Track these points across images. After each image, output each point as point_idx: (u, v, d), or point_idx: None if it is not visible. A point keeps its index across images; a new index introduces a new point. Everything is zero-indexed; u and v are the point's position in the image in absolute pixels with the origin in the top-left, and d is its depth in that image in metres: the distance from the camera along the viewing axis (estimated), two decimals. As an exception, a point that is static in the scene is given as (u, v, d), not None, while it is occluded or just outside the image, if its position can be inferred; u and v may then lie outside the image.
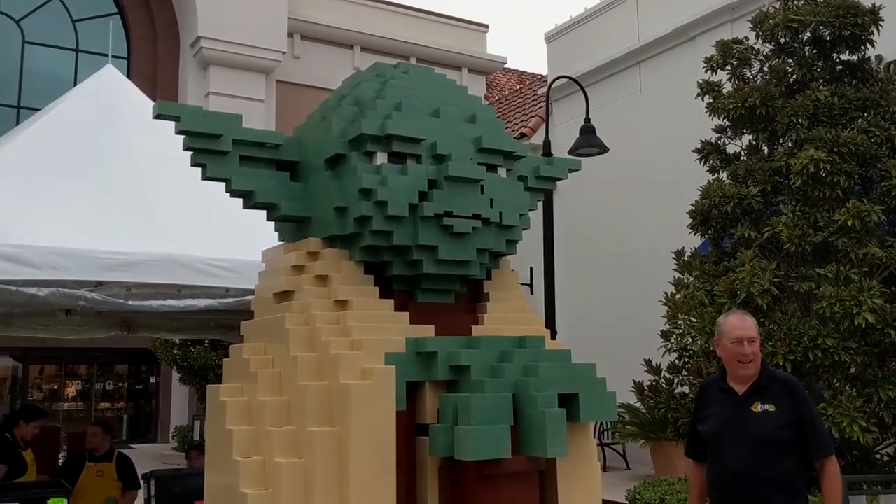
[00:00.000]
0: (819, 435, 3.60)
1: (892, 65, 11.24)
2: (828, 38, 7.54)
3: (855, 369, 6.62)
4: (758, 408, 3.60)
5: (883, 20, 7.54)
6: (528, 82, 24.28)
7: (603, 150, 10.21)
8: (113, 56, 20.08)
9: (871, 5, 7.49)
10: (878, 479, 5.91)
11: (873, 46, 7.64)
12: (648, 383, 7.97)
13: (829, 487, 3.55)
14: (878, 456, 6.89)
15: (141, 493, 6.21)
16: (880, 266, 6.69)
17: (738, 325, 3.72)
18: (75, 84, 13.13)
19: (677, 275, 7.72)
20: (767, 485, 3.51)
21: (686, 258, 7.79)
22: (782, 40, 7.80)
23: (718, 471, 3.67)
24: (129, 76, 17.28)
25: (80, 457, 6.75)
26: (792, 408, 3.57)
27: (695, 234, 7.92)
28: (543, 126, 11.93)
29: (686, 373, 7.49)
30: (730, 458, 3.59)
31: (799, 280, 6.75)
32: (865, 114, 7.27)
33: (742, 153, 7.98)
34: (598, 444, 13.78)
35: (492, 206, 2.78)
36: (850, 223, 6.51)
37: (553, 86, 12.45)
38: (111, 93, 6.41)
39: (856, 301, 6.21)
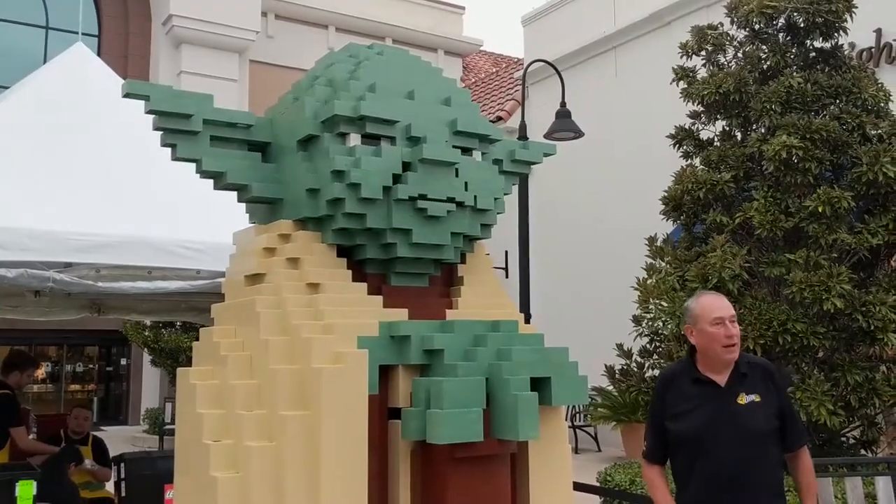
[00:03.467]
0: (799, 423, 3.44)
1: (865, 52, 11.36)
2: (801, 25, 7.59)
3: (823, 353, 6.72)
4: (744, 399, 3.28)
5: (856, 7, 7.59)
6: (504, 65, 24.23)
7: (578, 134, 10.23)
8: (83, 34, 19.82)
9: (844, -7, 7.54)
10: (843, 462, 6.00)
11: (846, 34, 7.70)
12: (620, 367, 8.04)
13: (809, 473, 3.41)
14: (844, 439, 7.01)
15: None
16: (849, 252, 6.78)
17: (717, 304, 3.32)
18: (45, 62, 12.91)
19: (649, 260, 7.77)
20: (761, 482, 3.24)
21: (658, 244, 7.84)
22: (756, 26, 7.83)
23: (705, 474, 3.25)
24: (99, 54, 17.00)
25: (56, 440, 6.72)
26: (775, 396, 3.32)
27: (667, 220, 7.97)
28: (519, 109, 11.91)
29: (657, 356, 7.56)
30: (722, 458, 3.21)
31: (770, 265, 6.82)
32: (837, 101, 7.33)
33: (715, 139, 8.02)
34: (569, 427, 13.96)
35: (466, 189, 2.77)
36: (820, 209, 6.58)
37: (529, 69, 12.44)
38: (81, 71, 6.30)
39: (825, 286, 6.29)
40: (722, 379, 3.32)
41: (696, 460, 3.27)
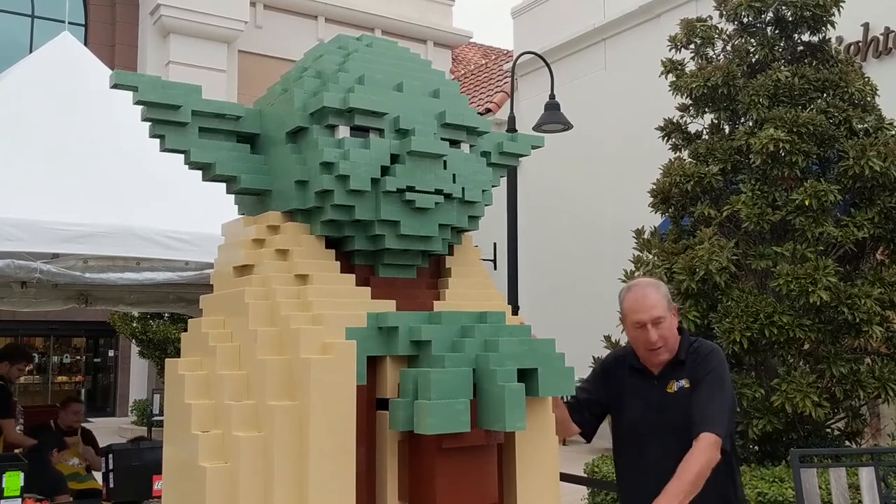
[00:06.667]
0: (709, 406, 2.87)
1: (852, 46, 11.41)
2: (790, 19, 7.62)
3: (809, 346, 6.77)
4: (673, 387, 3.03)
5: (844, 1, 7.63)
6: (493, 57, 24.23)
7: (567, 126, 10.25)
8: (70, 23, 19.69)
9: (832, -13, 7.58)
10: (828, 453, 6.06)
11: (834, 28, 7.74)
12: (608, 358, 8.06)
13: (689, 459, 2.77)
14: (829, 430, 7.07)
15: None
16: (835, 245, 6.83)
17: (637, 306, 3.05)
18: (31, 51, 12.83)
19: (637, 252, 7.80)
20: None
21: (646, 236, 7.87)
22: (745, 20, 7.86)
23: (636, 469, 3.04)
24: (86, 44, 16.90)
25: (47, 430, 6.74)
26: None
27: (655, 213, 8.00)
28: (509, 102, 11.92)
29: (645, 348, 7.59)
30: (652, 453, 2.97)
31: (757, 258, 6.86)
32: (824, 94, 7.37)
33: (704, 132, 8.06)
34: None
35: (454, 181, 2.77)
36: (807, 202, 6.62)
37: (518, 61, 12.44)
38: (68, 61, 6.27)
39: (811, 279, 6.33)
40: (657, 368, 3.12)
41: (630, 454, 3.12)
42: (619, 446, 3.24)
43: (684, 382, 3.02)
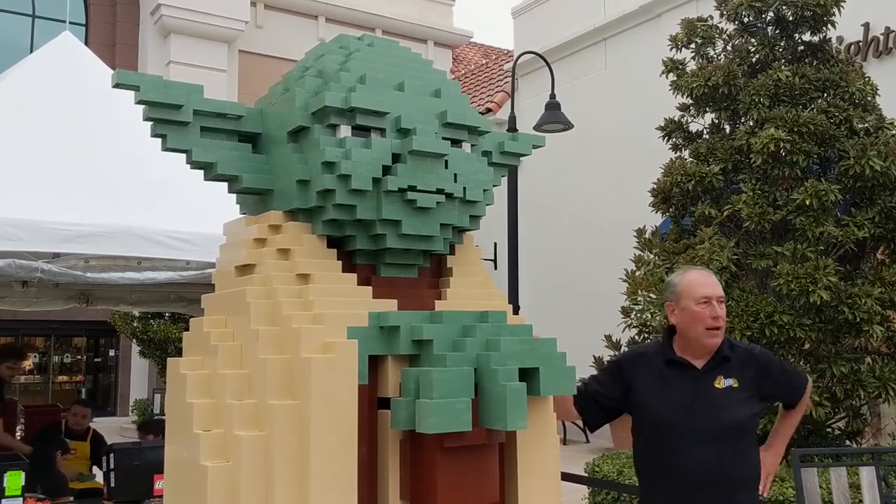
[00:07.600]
0: (795, 375, 3.29)
1: (853, 46, 11.41)
2: (790, 19, 7.62)
3: (809, 345, 6.76)
4: (721, 383, 2.99)
5: (844, 1, 7.63)
6: (494, 57, 24.24)
7: (568, 126, 10.25)
8: (71, 23, 19.69)
9: (832, -13, 7.57)
10: (829, 452, 6.06)
11: (834, 27, 7.74)
12: (608, 358, 8.07)
13: (797, 414, 3.25)
14: (829, 430, 7.07)
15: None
16: (836, 244, 6.82)
17: (706, 281, 3.02)
18: (31, 51, 12.83)
19: (638, 252, 7.80)
20: (736, 478, 2.96)
21: (647, 236, 7.87)
22: (746, 19, 7.86)
23: (675, 466, 2.97)
24: (87, 43, 16.91)
25: (56, 430, 6.76)
26: (753, 379, 3.03)
27: (656, 212, 8.00)
28: (509, 101, 11.93)
29: (645, 348, 7.59)
30: (696, 450, 2.93)
31: (757, 257, 6.86)
32: (825, 94, 7.36)
33: (704, 131, 8.05)
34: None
35: (456, 180, 2.78)
36: (808, 202, 6.62)
37: (519, 61, 12.44)
38: (69, 60, 6.28)
39: (811, 279, 6.33)
40: (700, 362, 3.04)
41: (666, 450, 3.00)
42: (649, 442, 3.13)
43: (732, 382, 3.00)
